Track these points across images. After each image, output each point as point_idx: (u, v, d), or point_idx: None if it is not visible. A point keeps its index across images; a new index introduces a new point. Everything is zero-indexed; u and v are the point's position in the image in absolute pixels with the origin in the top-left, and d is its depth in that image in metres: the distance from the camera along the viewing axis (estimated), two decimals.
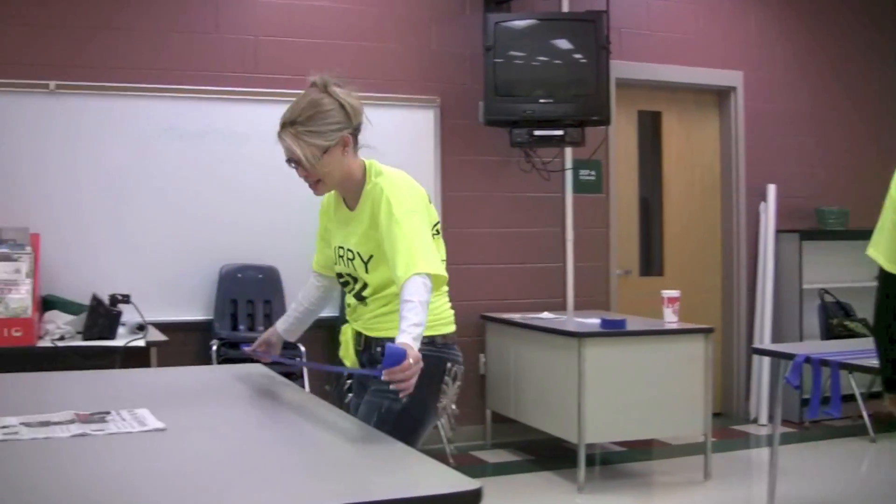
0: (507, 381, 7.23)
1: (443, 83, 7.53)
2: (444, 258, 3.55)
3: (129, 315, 5.87)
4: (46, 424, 2.98)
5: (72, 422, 3.01)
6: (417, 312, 3.06)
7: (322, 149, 3.36)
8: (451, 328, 3.59)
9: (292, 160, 3.42)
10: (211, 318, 6.86)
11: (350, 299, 3.64)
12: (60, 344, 5.64)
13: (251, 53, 7.05)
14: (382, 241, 3.35)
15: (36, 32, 6.58)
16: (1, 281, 5.69)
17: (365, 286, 3.52)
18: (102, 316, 5.77)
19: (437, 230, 3.54)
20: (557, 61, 7.37)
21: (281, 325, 3.96)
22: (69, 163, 6.60)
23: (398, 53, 7.43)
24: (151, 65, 6.82)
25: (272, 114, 6.33)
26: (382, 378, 2.86)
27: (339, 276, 3.66)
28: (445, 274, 3.33)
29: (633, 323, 6.74)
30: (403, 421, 2.86)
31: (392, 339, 3.02)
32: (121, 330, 5.88)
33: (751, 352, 8.32)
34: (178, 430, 2.97)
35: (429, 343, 3.40)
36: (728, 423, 8.33)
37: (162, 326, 6.22)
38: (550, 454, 7.18)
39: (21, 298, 5.67)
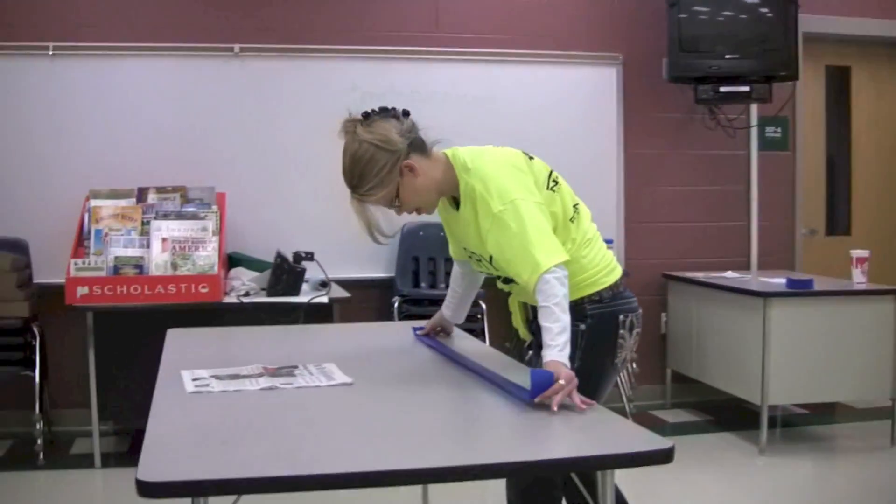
0: (689, 340, 7.14)
1: (625, 40, 7.40)
2: (577, 202, 3.40)
3: (312, 272, 5.98)
4: (236, 377, 3.05)
5: (260, 375, 3.08)
6: (557, 317, 2.93)
7: (392, 193, 3.30)
8: (616, 274, 3.42)
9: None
10: (392, 275, 6.94)
11: (499, 283, 3.53)
12: (245, 300, 5.78)
13: (433, 13, 7.06)
14: (492, 247, 3.19)
15: None
16: (188, 239, 5.85)
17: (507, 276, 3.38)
18: (286, 273, 5.88)
19: (554, 180, 3.35)
20: (743, 16, 7.16)
21: (445, 311, 3.90)
22: (253, 123, 6.74)
23: (580, 10, 7.33)
24: (333, 26, 6.89)
25: (453, 73, 6.31)
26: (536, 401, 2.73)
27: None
28: (566, 256, 3.07)
29: (820, 283, 6.56)
30: (580, 382, 2.81)
31: None
32: (304, 286, 6.00)
33: None
34: (365, 385, 3.01)
35: (596, 300, 3.34)
36: None
37: (344, 283, 6.32)
38: (731, 415, 7.08)
39: (208, 256, 5.83)
